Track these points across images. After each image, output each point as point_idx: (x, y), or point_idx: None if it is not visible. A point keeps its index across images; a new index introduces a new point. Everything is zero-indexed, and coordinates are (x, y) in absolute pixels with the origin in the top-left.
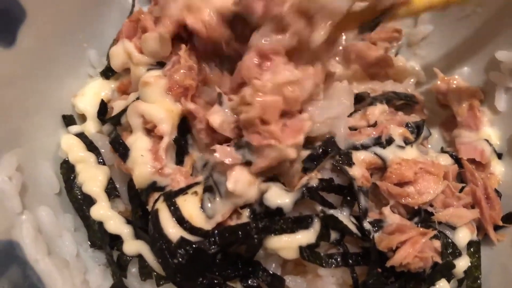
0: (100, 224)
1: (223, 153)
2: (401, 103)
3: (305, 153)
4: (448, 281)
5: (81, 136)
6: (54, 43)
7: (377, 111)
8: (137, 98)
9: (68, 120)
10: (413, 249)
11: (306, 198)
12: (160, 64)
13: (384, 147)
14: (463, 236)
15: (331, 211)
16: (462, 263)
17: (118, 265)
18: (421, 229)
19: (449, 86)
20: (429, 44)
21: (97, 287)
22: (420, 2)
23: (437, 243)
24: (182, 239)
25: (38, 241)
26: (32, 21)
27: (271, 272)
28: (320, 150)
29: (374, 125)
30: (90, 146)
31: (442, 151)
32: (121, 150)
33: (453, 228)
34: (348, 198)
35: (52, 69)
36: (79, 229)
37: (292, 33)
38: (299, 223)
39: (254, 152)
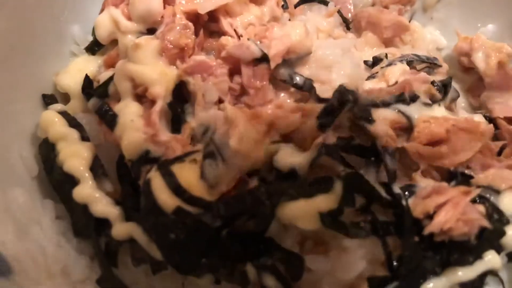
0: (85, 207)
1: None
2: (423, 66)
3: (319, 107)
4: (498, 253)
5: (64, 114)
6: (34, 19)
7: (397, 70)
8: None
9: (49, 100)
10: (455, 211)
11: (324, 158)
12: (151, 32)
13: (408, 104)
14: (510, 201)
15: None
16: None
17: (107, 254)
18: (462, 188)
19: (472, 46)
20: (447, 6)
21: (83, 279)
22: None
23: (481, 208)
24: (179, 209)
25: (4, 222)
26: None
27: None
28: (336, 101)
29: None
30: (73, 122)
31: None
32: (108, 118)
33: (497, 192)
34: (372, 159)
35: (32, 47)
36: (62, 217)
37: None
38: (317, 186)
39: None
